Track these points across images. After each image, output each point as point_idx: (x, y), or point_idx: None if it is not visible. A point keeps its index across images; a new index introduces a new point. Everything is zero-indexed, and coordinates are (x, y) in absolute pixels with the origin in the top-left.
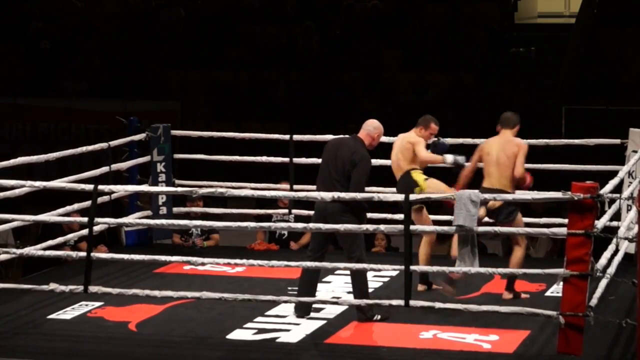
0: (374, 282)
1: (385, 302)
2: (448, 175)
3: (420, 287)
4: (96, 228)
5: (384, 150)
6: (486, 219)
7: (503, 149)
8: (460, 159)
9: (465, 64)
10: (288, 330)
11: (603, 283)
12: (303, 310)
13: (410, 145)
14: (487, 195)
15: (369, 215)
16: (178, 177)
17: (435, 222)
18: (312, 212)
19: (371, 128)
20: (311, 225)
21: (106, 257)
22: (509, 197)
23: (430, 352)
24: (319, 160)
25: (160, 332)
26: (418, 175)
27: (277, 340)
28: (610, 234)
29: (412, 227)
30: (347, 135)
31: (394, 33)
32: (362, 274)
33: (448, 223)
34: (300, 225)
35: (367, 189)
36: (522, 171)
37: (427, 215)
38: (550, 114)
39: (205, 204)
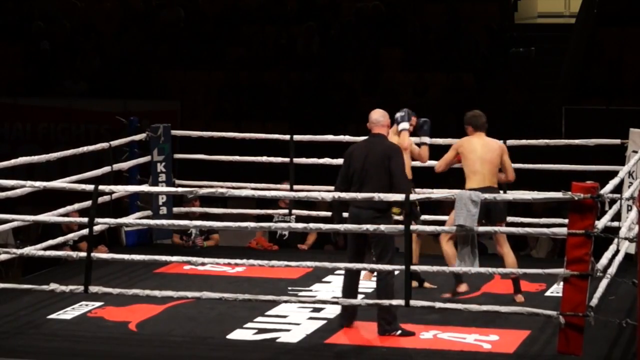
0: (374, 282)
1: (386, 302)
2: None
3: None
4: (96, 228)
5: None
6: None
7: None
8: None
9: (465, 64)
10: (288, 330)
11: (604, 283)
12: (346, 318)
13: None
14: (487, 195)
15: None
16: (178, 177)
17: (435, 222)
18: (312, 213)
19: (381, 119)
20: (311, 225)
21: (106, 257)
22: (509, 197)
23: (430, 352)
24: (320, 161)
25: (160, 332)
26: None
27: (277, 340)
28: (611, 234)
29: (412, 227)
30: (366, 137)
31: (394, 33)
32: (389, 284)
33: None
34: (300, 225)
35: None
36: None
37: None
38: (550, 114)
39: (205, 204)
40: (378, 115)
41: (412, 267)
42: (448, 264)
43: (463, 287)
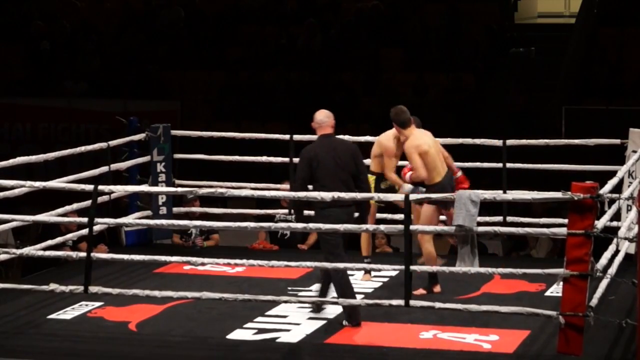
0: (374, 282)
1: (386, 302)
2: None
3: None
4: (96, 228)
5: None
6: (479, 218)
7: (435, 144)
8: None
9: (465, 64)
10: (288, 330)
11: (604, 283)
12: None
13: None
14: (487, 195)
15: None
16: (178, 177)
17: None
18: (312, 213)
19: (326, 119)
20: (311, 225)
21: (106, 257)
22: (509, 197)
23: (430, 352)
24: None
25: (160, 332)
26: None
27: (277, 340)
28: (611, 234)
29: (412, 227)
30: (320, 138)
31: (394, 33)
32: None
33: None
34: (300, 225)
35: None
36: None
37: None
38: (550, 114)
39: (205, 204)
40: (323, 116)
41: (413, 268)
42: (428, 264)
43: (437, 289)
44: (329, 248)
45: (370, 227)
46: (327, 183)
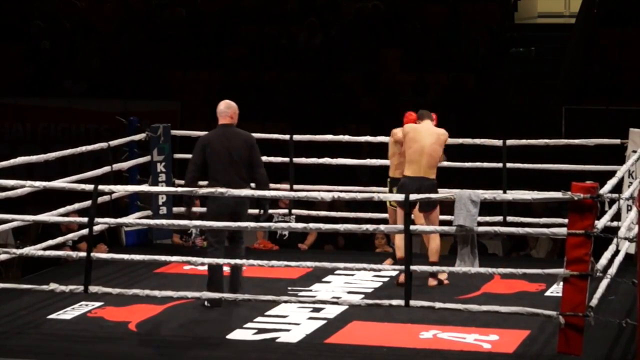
0: (374, 282)
1: (386, 302)
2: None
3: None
4: (96, 228)
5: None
6: (479, 218)
7: (433, 138)
8: None
9: (465, 64)
10: (288, 330)
11: (604, 283)
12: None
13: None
14: (487, 195)
15: (370, 215)
16: (178, 177)
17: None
18: (312, 212)
19: (227, 110)
20: (311, 225)
21: (106, 257)
22: (509, 197)
23: (430, 352)
24: (320, 161)
25: (160, 332)
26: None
27: (277, 340)
28: (611, 234)
29: (412, 227)
30: (219, 128)
31: (394, 33)
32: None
33: (448, 223)
34: (300, 225)
35: (366, 188)
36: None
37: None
38: (550, 114)
39: (204, 204)
40: (224, 107)
41: (413, 268)
42: (397, 254)
43: (431, 282)
44: (211, 240)
45: (370, 227)
46: (218, 170)
